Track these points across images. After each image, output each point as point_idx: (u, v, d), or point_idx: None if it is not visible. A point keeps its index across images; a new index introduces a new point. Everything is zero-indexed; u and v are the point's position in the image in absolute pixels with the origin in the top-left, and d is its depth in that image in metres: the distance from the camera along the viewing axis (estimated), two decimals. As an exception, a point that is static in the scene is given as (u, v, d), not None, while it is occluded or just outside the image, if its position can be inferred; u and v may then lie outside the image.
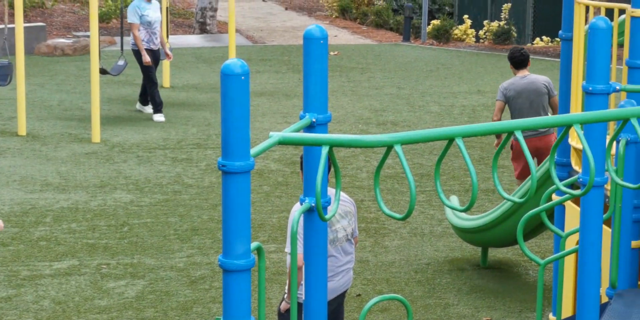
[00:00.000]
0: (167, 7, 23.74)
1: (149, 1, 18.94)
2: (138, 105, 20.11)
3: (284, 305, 9.46)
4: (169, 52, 19.72)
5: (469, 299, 12.21)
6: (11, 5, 21.76)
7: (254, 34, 30.15)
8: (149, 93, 19.43)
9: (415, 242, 13.86)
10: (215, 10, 29.64)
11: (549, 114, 13.99)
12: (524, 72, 14.26)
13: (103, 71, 19.34)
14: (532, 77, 14.34)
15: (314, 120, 7.09)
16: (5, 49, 18.63)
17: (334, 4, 33.13)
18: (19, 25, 18.78)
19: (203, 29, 29.50)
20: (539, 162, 13.38)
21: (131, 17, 18.80)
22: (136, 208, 15.05)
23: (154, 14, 18.95)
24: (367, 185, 15.98)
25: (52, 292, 12.28)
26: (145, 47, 18.85)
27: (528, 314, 11.72)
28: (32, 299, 12.12)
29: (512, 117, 13.69)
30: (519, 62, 14.30)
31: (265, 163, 16.92)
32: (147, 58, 18.78)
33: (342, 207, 9.38)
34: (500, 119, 13.97)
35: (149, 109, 19.78)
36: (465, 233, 13.14)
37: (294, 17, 33.60)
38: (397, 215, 6.18)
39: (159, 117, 19.32)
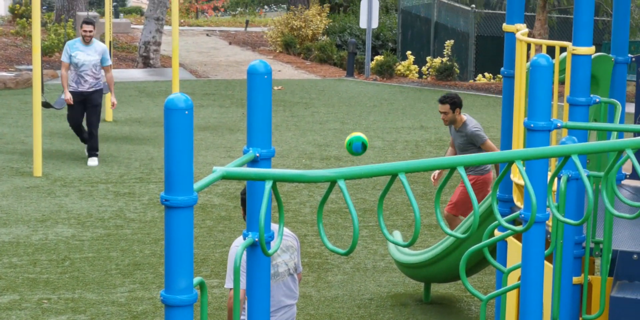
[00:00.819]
0: (109, 41, 23.74)
1: (88, 44, 18.50)
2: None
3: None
4: (114, 100, 19.46)
5: (411, 334, 12.24)
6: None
7: (197, 68, 30.18)
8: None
9: (358, 277, 13.87)
10: (159, 44, 29.65)
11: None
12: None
13: (46, 105, 19.28)
14: None
15: (257, 155, 7.11)
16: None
17: (278, 39, 33.21)
18: (-39, 57, 18.74)
19: (146, 63, 29.50)
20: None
21: (62, 55, 18.69)
22: (78, 242, 14.98)
23: (86, 57, 18.45)
24: (310, 219, 16.00)
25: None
26: (71, 90, 18.50)
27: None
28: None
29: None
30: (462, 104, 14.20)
31: (208, 197, 16.91)
32: (67, 95, 18.44)
33: (284, 242, 9.39)
34: None
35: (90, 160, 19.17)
36: (408, 268, 13.14)
37: (238, 51, 33.66)
38: (341, 251, 6.19)
39: (91, 161, 18.99)
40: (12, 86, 25.73)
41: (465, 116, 14.01)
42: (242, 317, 8.73)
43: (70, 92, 18.38)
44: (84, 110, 18.56)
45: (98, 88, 18.68)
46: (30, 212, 16.29)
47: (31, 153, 18.64)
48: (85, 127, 18.86)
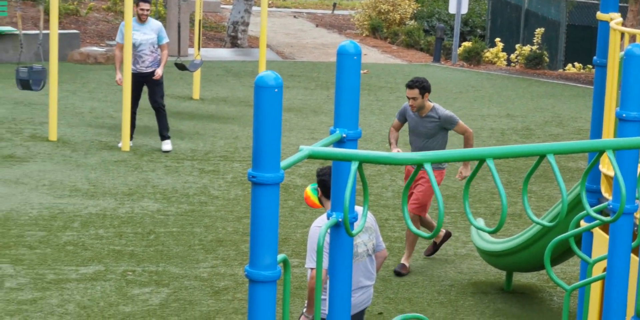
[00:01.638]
0: (199, 20, 23.89)
1: (143, 22, 18.27)
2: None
3: (302, 319, 9.56)
4: (159, 71, 18.43)
5: (490, 321, 12.28)
6: (46, 12, 21.91)
7: (284, 49, 30.25)
8: None
9: (438, 263, 13.90)
10: (247, 24, 29.79)
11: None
12: None
13: (181, 67, 19.53)
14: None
15: (344, 135, 7.20)
16: (39, 54, 18.76)
17: (365, 23, 33.23)
18: (54, 31, 18.91)
19: (234, 43, 29.64)
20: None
21: (117, 36, 18.49)
22: (162, 217, 15.16)
23: (143, 36, 18.21)
24: (392, 204, 16.05)
25: (77, 297, 12.37)
26: (131, 69, 18.24)
27: (551, 339, 11.79)
28: (57, 302, 12.21)
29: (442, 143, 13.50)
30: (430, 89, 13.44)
31: (290, 178, 17.02)
32: (118, 76, 18.28)
33: (364, 223, 9.47)
34: None
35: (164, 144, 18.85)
36: (490, 256, 13.14)
37: (325, 34, 33.73)
38: (424, 234, 6.28)
39: (165, 146, 18.73)
40: (102, 61, 25.97)
41: (432, 102, 13.32)
42: (322, 297, 8.82)
43: (133, 73, 18.18)
44: (140, 93, 18.39)
45: (157, 67, 18.37)
46: (118, 185, 16.48)
47: (119, 128, 18.81)
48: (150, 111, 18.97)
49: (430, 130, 13.23)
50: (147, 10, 18.21)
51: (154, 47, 18.20)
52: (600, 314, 10.33)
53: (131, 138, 18.51)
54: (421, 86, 12.99)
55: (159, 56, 18.34)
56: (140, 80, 18.19)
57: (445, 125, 13.20)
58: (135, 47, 18.02)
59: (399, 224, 15.12)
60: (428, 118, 13.13)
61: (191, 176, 17.15)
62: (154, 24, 18.36)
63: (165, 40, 18.50)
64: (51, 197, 15.77)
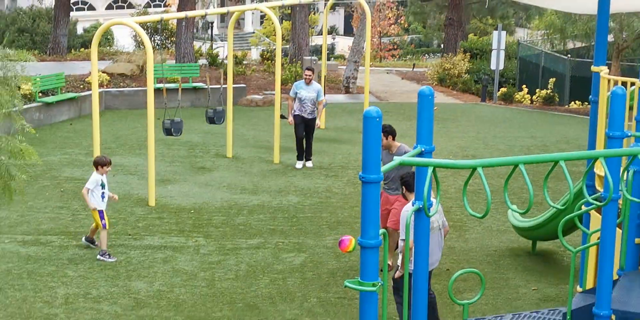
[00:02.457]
0: (324, 75, 23.94)
1: (308, 84, 17.73)
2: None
3: (397, 274, 9.48)
4: (319, 123, 18.26)
5: (522, 275, 12.09)
6: (224, 73, 22.13)
7: (380, 94, 30.16)
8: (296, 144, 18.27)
9: (486, 236, 13.77)
10: (355, 78, 29.77)
11: None
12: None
13: (282, 117, 19.56)
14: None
15: (422, 149, 7.15)
16: (220, 100, 18.94)
17: (435, 76, 33.06)
18: (229, 85, 19.12)
19: (347, 90, 29.62)
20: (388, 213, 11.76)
21: (291, 91, 18.07)
22: (301, 206, 15.18)
23: (307, 94, 17.64)
24: (454, 197, 15.92)
25: (247, 259, 12.44)
26: (296, 113, 17.78)
27: (562, 286, 11.58)
28: (233, 263, 12.30)
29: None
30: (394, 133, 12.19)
31: (387, 180, 16.94)
32: (290, 118, 17.99)
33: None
34: None
35: (307, 163, 18.27)
36: (521, 230, 13.05)
37: (407, 84, 33.55)
38: (478, 215, 6.20)
39: (298, 164, 18.06)
40: (260, 104, 26.15)
41: (399, 143, 12.15)
42: (410, 258, 8.78)
43: (295, 115, 17.81)
44: (304, 128, 17.84)
45: (314, 116, 17.87)
46: (271, 186, 16.55)
47: (272, 148, 18.91)
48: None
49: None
50: (310, 75, 17.63)
51: (313, 102, 17.71)
52: (595, 268, 10.15)
53: (300, 158, 18.10)
54: (384, 130, 11.78)
55: (315, 108, 17.81)
56: (304, 121, 17.70)
57: None
58: (301, 100, 17.63)
59: (459, 210, 14.99)
60: (393, 155, 11.53)
61: (320, 179, 17.17)
62: (315, 85, 17.82)
63: (322, 97, 17.94)
64: (228, 194, 15.88)
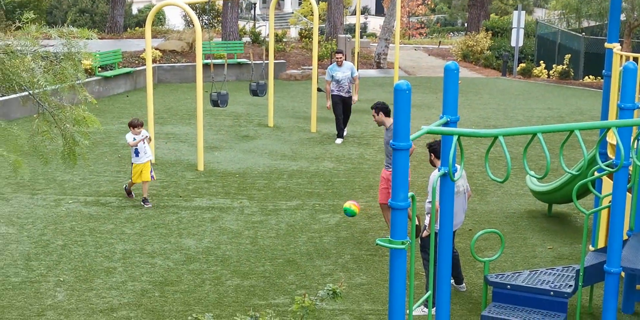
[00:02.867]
0: (357, 52, 23.82)
1: (340, 65, 17.40)
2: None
3: (424, 233, 9.49)
4: (355, 98, 17.71)
5: (539, 235, 12.03)
6: (266, 49, 22.07)
7: (409, 69, 29.93)
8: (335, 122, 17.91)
9: (506, 199, 13.70)
10: (386, 54, 29.55)
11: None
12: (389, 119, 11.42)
13: (319, 90, 19.50)
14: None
15: (448, 119, 7.11)
16: (262, 75, 18.92)
17: (459, 52, 32.76)
18: (271, 61, 19.07)
19: (378, 65, 29.43)
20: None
21: (326, 76, 17.72)
22: (336, 171, 15.18)
23: (342, 74, 17.33)
24: (477, 164, 15.83)
25: (286, 219, 12.48)
26: (335, 93, 17.49)
27: (576, 245, 11.52)
28: (274, 222, 12.35)
29: None
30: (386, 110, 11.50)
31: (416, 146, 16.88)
32: (328, 103, 17.86)
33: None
34: None
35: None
36: (538, 194, 12.95)
37: (433, 60, 33.25)
38: (499, 179, 6.17)
39: (338, 141, 17.56)
40: (299, 78, 26.09)
41: (392, 119, 11.14)
42: (436, 219, 8.77)
43: (334, 95, 17.49)
44: (343, 107, 17.43)
45: (350, 94, 17.53)
46: (309, 153, 16.56)
47: (309, 118, 18.90)
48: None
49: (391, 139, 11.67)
50: (340, 57, 17.25)
51: (348, 80, 17.38)
52: (607, 228, 10.10)
53: (340, 136, 17.62)
54: (375, 107, 11.44)
55: (352, 85, 17.45)
56: (342, 99, 17.39)
57: None
58: (338, 81, 17.35)
59: (481, 176, 14.92)
60: (389, 131, 11.30)
61: (353, 147, 17.15)
62: (347, 65, 17.43)
63: (356, 74, 17.46)
64: (270, 160, 15.91)
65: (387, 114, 11.43)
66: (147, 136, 13.15)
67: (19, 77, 6.55)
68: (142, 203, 13.04)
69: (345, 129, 18.07)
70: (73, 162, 6.91)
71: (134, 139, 13.03)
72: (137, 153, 13.04)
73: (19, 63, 6.58)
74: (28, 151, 7.57)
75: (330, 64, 18.65)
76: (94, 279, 10.16)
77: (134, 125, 13.08)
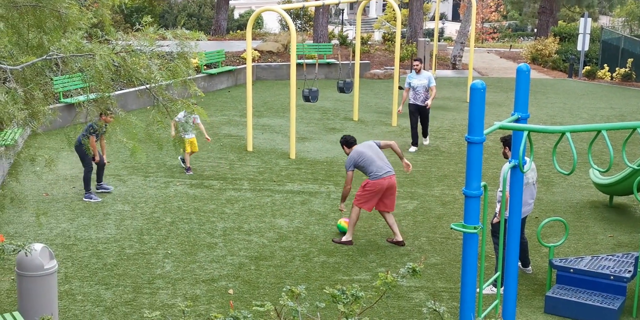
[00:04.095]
0: (435, 54, 23.58)
1: (418, 73, 15.88)
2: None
3: (495, 220, 9.37)
4: (428, 103, 15.91)
5: (600, 223, 11.77)
6: (353, 51, 22.01)
7: (482, 70, 29.51)
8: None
9: (570, 190, 13.43)
10: (461, 57, 29.20)
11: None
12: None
13: (400, 88, 19.41)
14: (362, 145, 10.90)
15: (519, 116, 6.99)
16: (348, 74, 18.89)
17: (529, 55, 32.16)
18: (357, 62, 19.01)
19: (454, 66, 29.09)
20: (385, 196, 10.59)
21: (405, 84, 16.36)
22: (414, 162, 15.04)
23: (418, 82, 15.80)
24: (544, 157, 15.55)
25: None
26: (411, 102, 15.96)
27: (635, 234, 11.24)
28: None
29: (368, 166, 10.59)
30: (352, 142, 10.83)
31: (487, 141, 16.64)
32: (399, 107, 16.70)
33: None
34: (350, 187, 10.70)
35: (424, 141, 16.56)
36: (600, 186, 12.64)
37: (505, 62, 32.69)
38: (564, 172, 6.05)
39: (412, 149, 16.02)
40: (382, 77, 25.98)
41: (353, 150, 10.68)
42: (506, 207, 8.63)
43: (410, 104, 15.98)
44: (418, 115, 16.04)
45: (426, 103, 15.91)
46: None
47: (390, 113, 18.82)
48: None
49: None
50: (418, 65, 15.85)
51: (425, 89, 15.92)
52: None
53: (414, 144, 16.09)
54: (341, 141, 10.86)
55: (429, 94, 16.01)
56: (417, 108, 16.07)
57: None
58: (414, 88, 15.96)
59: (547, 168, 14.64)
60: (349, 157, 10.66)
61: (430, 139, 17.01)
62: (425, 73, 15.97)
63: (433, 84, 15.92)
64: (354, 150, 15.89)
65: (349, 147, 10.79)
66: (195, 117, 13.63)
67: (138, 73, 6.68)
68: (186, 172, 13.85)
69: (427, 139, 16.60)
70: (182, 149, 7.02)
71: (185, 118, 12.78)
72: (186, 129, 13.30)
73: (138, 61, 6.72)
74: (142, 139, 7.73)
75: (410, 69, 18.25)
76: (198, 252, 10.33)
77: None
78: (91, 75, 6.49)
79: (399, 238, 10.65)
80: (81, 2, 7.26)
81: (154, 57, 6.86)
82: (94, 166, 12.58)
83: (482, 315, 6.93)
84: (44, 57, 6.48)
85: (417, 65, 15.98)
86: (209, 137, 14.37)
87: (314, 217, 11.78)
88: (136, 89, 18.14)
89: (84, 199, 12.33)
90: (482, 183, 6.27)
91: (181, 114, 13.21)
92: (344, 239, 10.67)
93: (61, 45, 6.41)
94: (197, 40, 6.92)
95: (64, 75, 14.11)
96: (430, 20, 48.33)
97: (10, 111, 6.05)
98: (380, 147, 10.84)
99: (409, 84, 16.07)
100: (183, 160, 14.05)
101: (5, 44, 6.61)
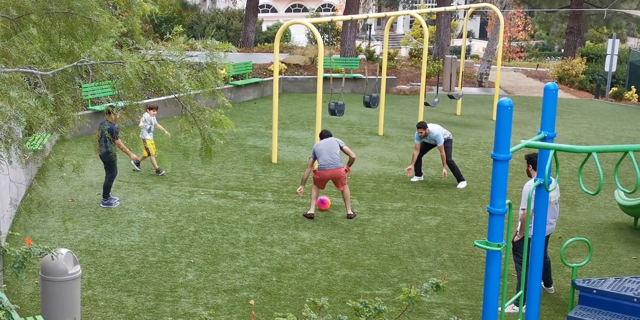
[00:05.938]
0: (462, 71, 23.49)
1: (423, 137, 14.09)
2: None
3: (516, 238, 9.28)
4: (445, 172, 13.97)
5: (624, 245, 11.63)
6: (380, 66, 22.00)
7: (508, 89, 29.39)
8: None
9: (595, 211, 13.28)
10: (488, 74, 29.10)
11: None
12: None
13: (426, 104, 19.33)
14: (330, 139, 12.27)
15: (546, 135, 6.92)
16: (375, 88, 18.87)
17: (555, 75, 32.00)
18: (383, 77, 18.99)
19: (480, 84, 29.01)
20: (334, 181, 12.25)
21: (415, 139, 14.21)
22: (438, 178, 14.94)
23: (427, 142, 14.27)
24: (568, 176, 15.41)
25: (391, 219, 12.39)
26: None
27: (659, 256, 11.11)
28: (380, 221, 12.26)
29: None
30: (323, 135, 12.55)
31: (513, 159, 16.52)
32: (409, 167, 14.00)
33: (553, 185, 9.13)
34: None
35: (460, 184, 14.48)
36: (625, 208, 12.49)
37: (531, 81, 32.56)
38: (590, 192, 5.97)
39: (461, 185, 14.39)
40: (408, 93, 25.93)
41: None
42: (530, 225, 8.54)
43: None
44: (423, 153, 14.55)
45: (444, 172, 14.12)
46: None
47: (415, 129, 18.69)
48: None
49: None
50: (422, 132, 13.96)
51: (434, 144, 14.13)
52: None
53: (419, 174, 14.63)
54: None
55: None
56: (427, 146, 14.42)
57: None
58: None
59: (572, 188, 14.49)
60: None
61: (454, 157, 16.74)
62: (431, 135, 14.07)
63: (440, 144, 14.06)
64: (378, 165, 15.84)
65: (321, 138, 12.56)
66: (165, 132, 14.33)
67: (167, 82, 6.69)
68: (157, 173, 14.19)
69: (464, 182, 14.48)
70: (209, 158, 7.02)
71: (150, 121, 14.04)
72: (149, 130, 14.09)
73: (167, 70, 6.73)
74: (167, 148, 7.74)
75: (436, 86, 17.99)
76: (220, 262, 10.32)
77: (151, 107, 14.11)
78: (121, 82, 6.51)
79: (349, 211, 12.24)
80: (112, 11, 7.30)
81: (183, 66, 6.87)
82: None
83: (504, 333, 6.85)
84: (75, 63, 6.51)
85: (421, 132, 13.99)
86: (168, 133, 13.80)
87: (337, 231, 11.74)
88: (164, 97, 18.22)
89: (102, 205, 12.37)
90: (507, 201, 6.20)
91: (146, 115, 14.13)
92: (308, 212, 12.12)
93: (92, 52, 6.44)
94: (226, 51, 6.92)
95: (93, 83, 14.22)
96: (458, 37, 48.28)
97: (40, 116, 6.08)
98: (342, 149, 12.21)
99: (419, 139, 14.19)
100: (137, 164, 14.43)
101: (37, 49, 6.65)
